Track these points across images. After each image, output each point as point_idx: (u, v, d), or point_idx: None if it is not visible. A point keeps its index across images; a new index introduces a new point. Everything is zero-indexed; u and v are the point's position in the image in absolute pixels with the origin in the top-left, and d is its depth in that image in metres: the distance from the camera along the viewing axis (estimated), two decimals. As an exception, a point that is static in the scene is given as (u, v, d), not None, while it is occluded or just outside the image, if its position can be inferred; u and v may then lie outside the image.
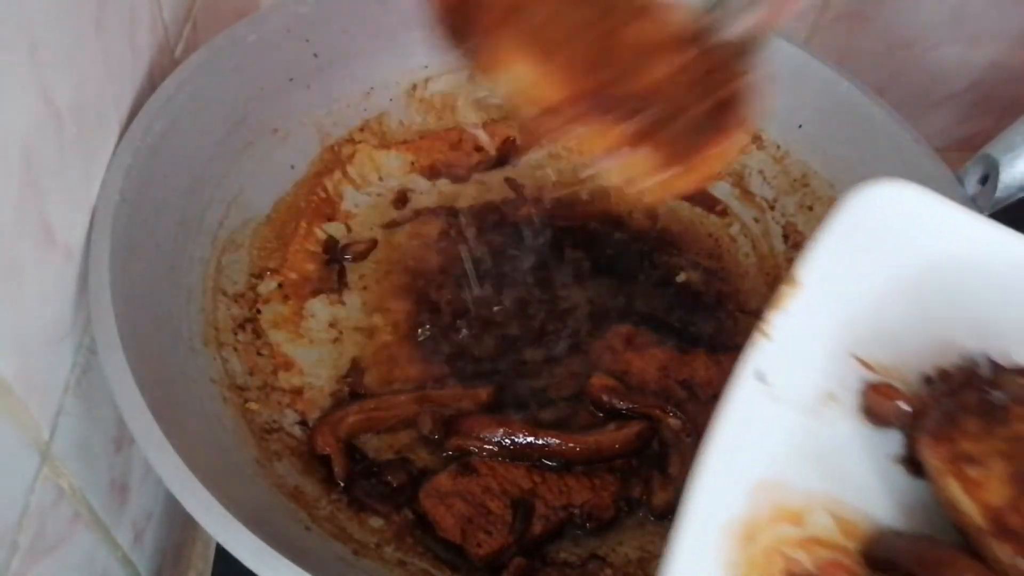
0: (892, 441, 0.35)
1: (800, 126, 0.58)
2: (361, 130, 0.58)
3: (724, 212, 0.61)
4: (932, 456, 0.32)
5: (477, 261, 0.56)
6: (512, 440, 0.46)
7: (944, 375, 0.35)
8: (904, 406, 0.34)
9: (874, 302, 0.36)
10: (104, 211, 0.40)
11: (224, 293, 0.48)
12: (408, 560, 0.43)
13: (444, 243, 0.57)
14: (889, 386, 0.35)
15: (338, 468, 0.45)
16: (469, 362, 0.51)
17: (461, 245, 0.57)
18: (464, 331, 0.53)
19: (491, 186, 0.61)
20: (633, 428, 0.48)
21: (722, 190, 0.61)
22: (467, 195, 0.60)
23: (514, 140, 0.62)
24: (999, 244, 0.37)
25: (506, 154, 0.62)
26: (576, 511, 0.45)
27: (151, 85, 0.46)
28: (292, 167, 0.55)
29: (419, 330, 0.52)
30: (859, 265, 0.36)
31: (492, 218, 0.59)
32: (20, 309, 0.32)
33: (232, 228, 0.50)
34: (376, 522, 0.44)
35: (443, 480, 0.44)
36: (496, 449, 0.46)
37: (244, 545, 0.33)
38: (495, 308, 0.54)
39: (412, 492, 0.45)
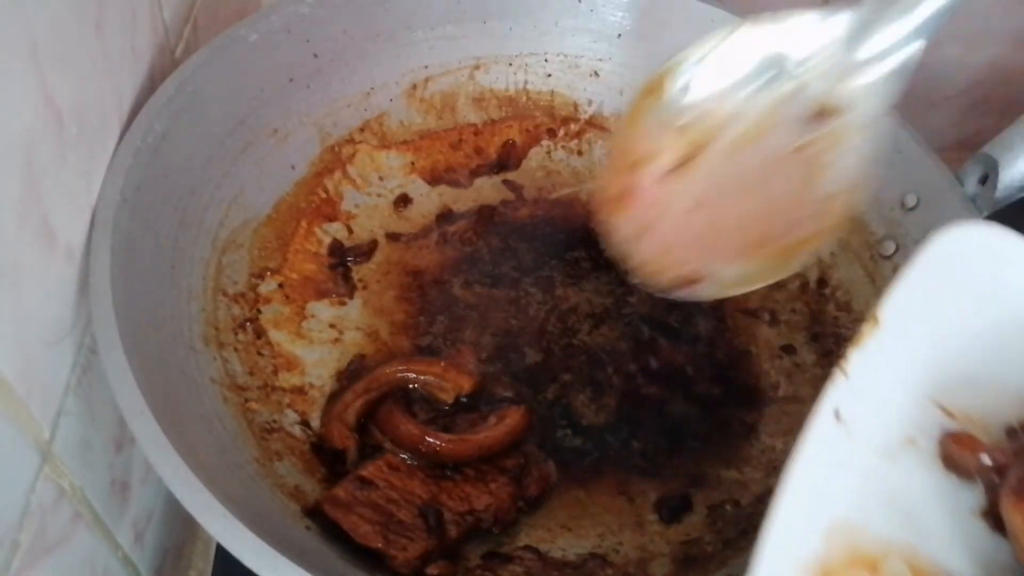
0: (973, 493, 0.34)
1: (800, 126, 0.58)
2: (361, 130, 0.58)
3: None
4: (1014, 514, 0.31)
5: (477, 262, 0.56)
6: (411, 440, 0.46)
7: None
8: (985, 459, 0.33)
9: (957, 348, 0.35)
10: (105, 211, 0.40)
11: (224, 293, 0.48)
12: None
13: (444, 244, 0.57)
14: (970, 436, 0.34)
15: (352, 459, 0.46)
16: (469, 362, 0.51)
17: (461, 246, 0.57)
18: (464, 332, 0.53)
19: (490, 188, 0.61)
20: (507, 421, 0.47)
21: (722, 190, 0.61)
22: (467, 197, 0.60)
23: (513, 143, 0.62)
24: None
25: (506, 157, 0.62)
26: (482, 515, 0.44)
27: (151, 85, 0.46)
28: (292, 167, 0.55)
29: (419, 330, 0.53)
30: (942, 309, 0.35)
31: (491, 219, 0.59)
32: (21, 309, 0.32)
33: (232, 228, 0.50)
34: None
35: (340, 493, 0.43)
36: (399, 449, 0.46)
37: (244, 545, 0.33)
38: (495, 309, 0.54)
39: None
